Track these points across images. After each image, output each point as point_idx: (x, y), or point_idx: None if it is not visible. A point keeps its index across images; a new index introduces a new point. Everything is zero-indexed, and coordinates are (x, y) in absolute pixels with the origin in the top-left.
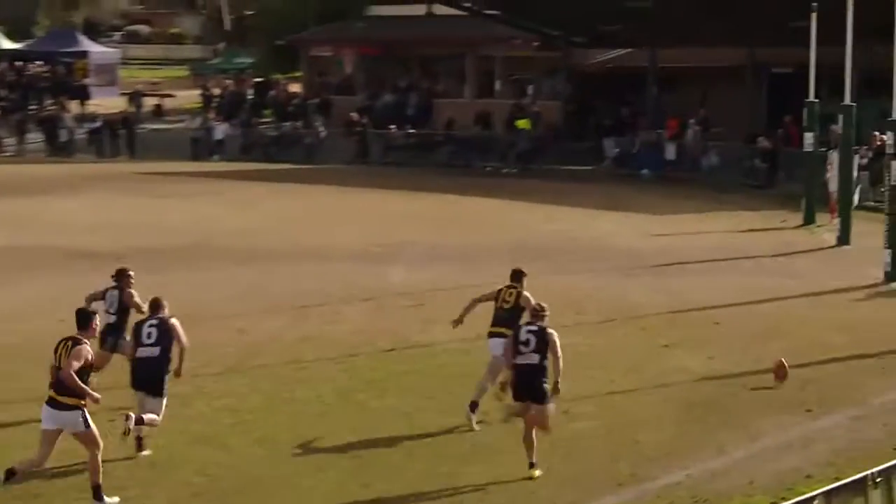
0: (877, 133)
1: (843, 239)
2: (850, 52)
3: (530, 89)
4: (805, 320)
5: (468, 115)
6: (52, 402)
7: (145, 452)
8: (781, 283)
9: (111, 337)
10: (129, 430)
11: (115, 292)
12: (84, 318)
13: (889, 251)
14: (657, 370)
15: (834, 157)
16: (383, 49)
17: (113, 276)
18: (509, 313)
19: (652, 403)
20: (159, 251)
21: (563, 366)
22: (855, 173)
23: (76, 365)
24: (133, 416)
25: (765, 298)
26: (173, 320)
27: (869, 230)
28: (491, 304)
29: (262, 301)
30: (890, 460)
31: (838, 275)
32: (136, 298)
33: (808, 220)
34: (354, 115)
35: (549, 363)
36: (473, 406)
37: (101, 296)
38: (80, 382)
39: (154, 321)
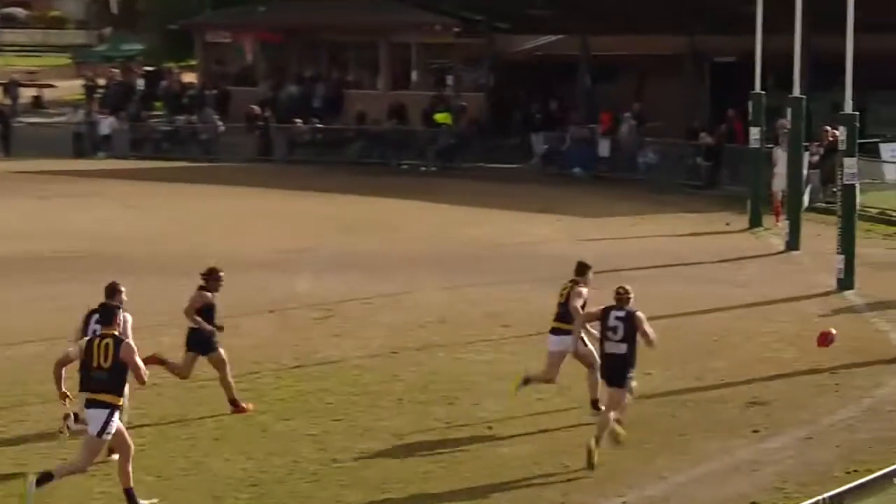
0: (828, 128)
1: (793, 244)
2: (800, 40)
3: (451, 80)
4: (752, 333)
5: (382, 108)
6: (90, 403)
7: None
8: (726, 292)
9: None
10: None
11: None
12: (109, 314)
13: (842, 257)
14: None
15: (779, 153)
16: (287, 35)
17: (203, 275)
18: (563, 308)
19: (585, 424)
20: (46, 259)
21: (656, 340)
22: (805, 172)
23: (139, 360)
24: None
25: (708, 309)
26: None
27: (820, 234)
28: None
29: (155, 314)
30: (842, 484)
31: (787, 283)
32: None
33: (755, 222)
34: (256, 108)
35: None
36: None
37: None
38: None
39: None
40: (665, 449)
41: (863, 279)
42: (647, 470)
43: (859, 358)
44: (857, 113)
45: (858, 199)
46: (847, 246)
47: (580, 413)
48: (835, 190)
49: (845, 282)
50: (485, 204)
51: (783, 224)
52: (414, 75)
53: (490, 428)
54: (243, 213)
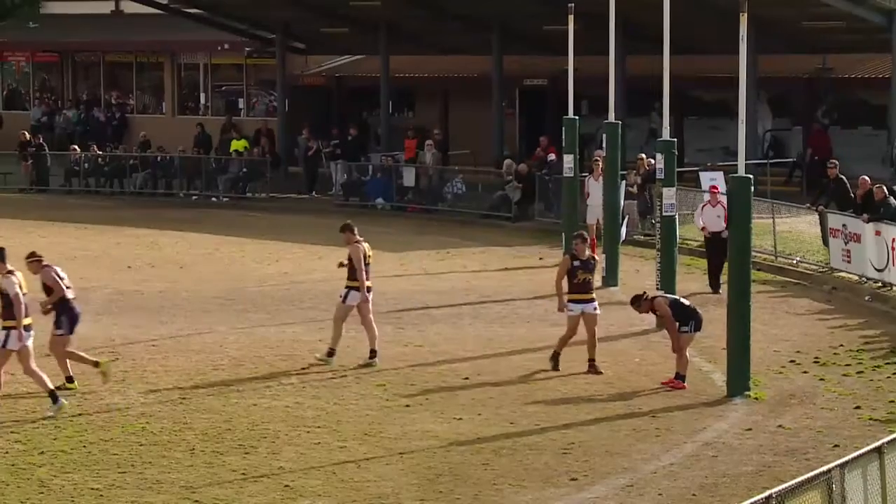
0: (643, 156)
1: (610, 280)
2: (614, 62)
3: (242, 103)
4: (567, 374)
5: (169, 134)
6: None
7: None
8: (539, 332)
9: None
10: None
11: None
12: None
13: (662, 293)
14: (397, 434)
15: (592, 184)
16: (62, 54)
17: None
18: None
19: (391, 474)
20: None
21: None
22: (622, 203)
23: None
24: None
25: (521, 349)
26: None
27: (639, 269)
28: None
29: None
30: None
31: (605, 321)
32: None
33: None
34: (27, 134)
35: None
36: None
37: None
38: None
39: None
40: (476, 501)
41: None
42: None
43: (681, 400)
44: (675, 140)
45: (678, 232)
46: (667, 282)
47: (386, 461)
48: (653, 222)
49: None
50: (281, 238)
51: (600, 258)
52: (203, 98)
53: (287, 486)
54: (13, 248)
